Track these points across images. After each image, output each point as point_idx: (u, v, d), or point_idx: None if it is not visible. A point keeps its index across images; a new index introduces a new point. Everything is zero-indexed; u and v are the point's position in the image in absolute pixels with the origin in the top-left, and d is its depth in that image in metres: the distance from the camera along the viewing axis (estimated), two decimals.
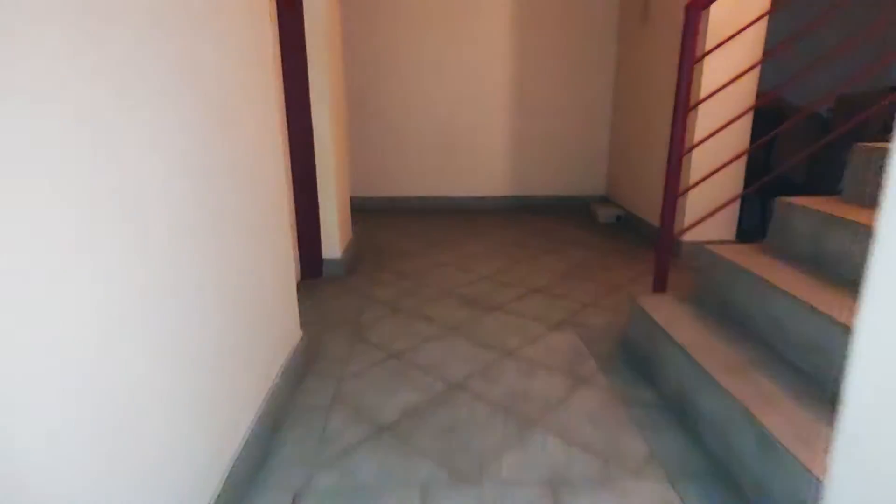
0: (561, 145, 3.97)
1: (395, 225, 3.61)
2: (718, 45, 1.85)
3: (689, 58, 1.64)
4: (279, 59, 2.24)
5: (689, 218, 2.81)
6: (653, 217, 3.24)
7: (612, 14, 3.75)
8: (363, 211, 3.90)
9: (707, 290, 1.77)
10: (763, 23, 2.59)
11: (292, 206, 2.43)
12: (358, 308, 2.24)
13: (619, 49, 3.75)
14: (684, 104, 1.69)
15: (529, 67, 3.82)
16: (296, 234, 2.49)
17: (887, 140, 1.51)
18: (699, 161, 2.72)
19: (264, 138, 1.50)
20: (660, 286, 1.87)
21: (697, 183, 1.97)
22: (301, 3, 2.29)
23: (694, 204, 2.78)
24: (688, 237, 2.83)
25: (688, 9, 1.61)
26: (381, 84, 3.84)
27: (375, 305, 2.27)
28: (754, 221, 3.13)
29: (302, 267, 2.56)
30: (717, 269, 1.72)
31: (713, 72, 2.62)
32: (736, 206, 2.86)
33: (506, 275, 2.65)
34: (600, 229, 3.48)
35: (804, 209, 1.61)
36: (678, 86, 1.68)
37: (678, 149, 1.75)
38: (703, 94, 2.64)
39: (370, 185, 4.03)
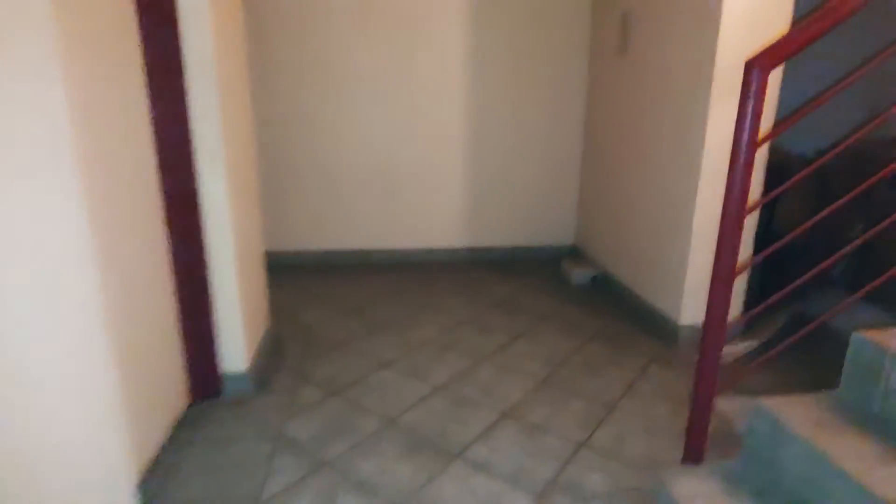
0: (524, 187, 3.42)
1: (330, 293, 2.93)
2: (787, 123, 1.31)
3: (753, 128, 1.09)
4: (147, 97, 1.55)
5: (687, 297, 2.30)
6: (631, 280, 2.72)
7: (583, 42, 3.23)
8: (291, 269, 3.20)
9: (763, 470, 1.22)
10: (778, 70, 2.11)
11: (172, 304, 1.73)
12: (260, 464, 1.57)
13: (591, 81, 3.24)
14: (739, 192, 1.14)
15: (488, 97, 3.25)
16: (181, 339, 1.79)
17: None
18: (702, 226, 2.21)
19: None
20: (694, 455, 1.31)
21: (746, 265, 1.43)
22: (174, 19, 1.60)
23: (697, 279, 2.27)
24: (687, 318, 2.32)
25: (749, 67, 1.05)
26: (308, 112, 3.16)
27: (286, 459, 1.60)
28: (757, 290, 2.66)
29: (191, 385, 1.86)
30: (783, 448, 1.18)
31: (720, 118, 2.12)
32: (743, 277, 2.37)
33: (467, 383, 2.04)
34: (574, 294, 2.93)
35: None
36: (731, 165, 1.13)
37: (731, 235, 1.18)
38: (707, 143, 2.13)
39: (299, 237, 3.33)
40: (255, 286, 2.10)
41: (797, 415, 1.22)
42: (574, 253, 3.49)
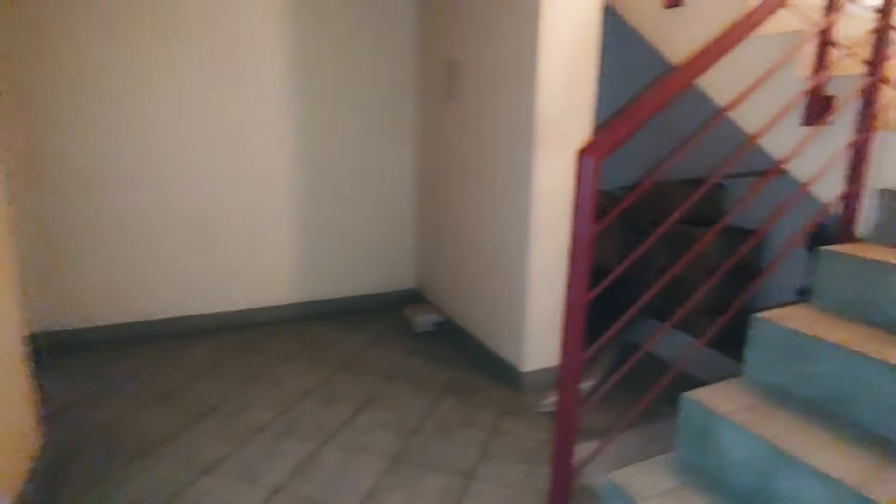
0: (360, 233, 3.26)
1: (135, 376, 2.42)
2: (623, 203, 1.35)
3: (588, 212, 1.08)
4: None
5: (528, 343, 2.34)
6: (474, 326, 2.72)
7: (412, 85, 3.20)
8: (84, 350, 2.59)
9: None
10: (589, 110, 2.27)
11: None
12: None
13: (423, 123, 3.22)
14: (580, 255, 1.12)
15: (316, 139, 3.03)
16: None
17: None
18: (540, 269, 2.27)
19: None
20: None
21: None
22: None
23: (536, 324, 2.32)
24: (530, 364, 2.37)
25: (582, 156, 1.04)
26: (98, 159, 2.62)
27: None
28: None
29: None
30: None
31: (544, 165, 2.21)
32: None
33: (310, 477, 1.79)
34: (420, 344, 2.84)
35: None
36: (572, 250, 1.11)
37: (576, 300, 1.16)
38: (535, 192, 2.20)
39: (93, 309, 2.72)
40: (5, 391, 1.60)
41: (644, 484, 1.24)
42: (416, 298, 3.42)
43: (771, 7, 1.31)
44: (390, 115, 3.18)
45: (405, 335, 2.95)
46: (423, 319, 2.99)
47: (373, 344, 2.83)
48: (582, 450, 1.88)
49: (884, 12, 1.57)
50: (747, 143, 1.39)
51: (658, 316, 2.85)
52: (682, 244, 2.93)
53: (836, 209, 1.69)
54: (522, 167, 2.23)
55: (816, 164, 1.71)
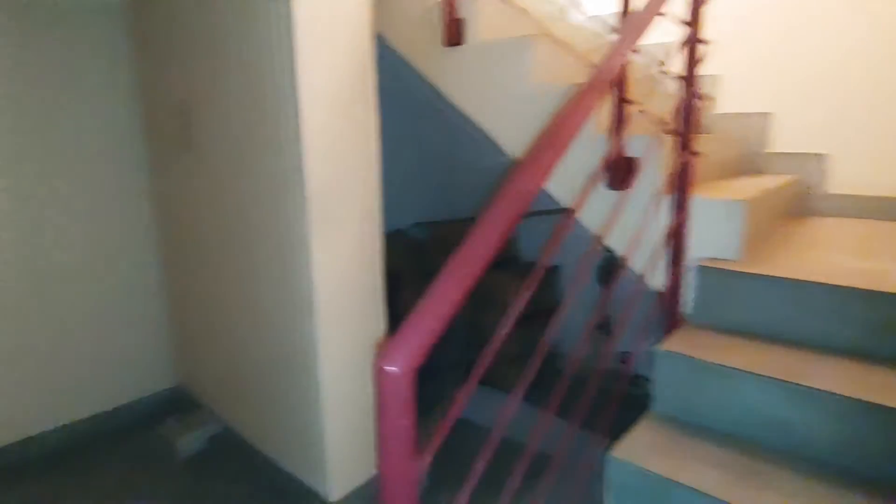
0: (80, 335, 2.33)
1: None
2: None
3: (400, 457, 0.63)
4: None
5: (333, 464, 1.84)
6: (262, 440, 2.11)
7: (134, 139, 2.38)
8: None
9: None
10: (373, 164, 1.85)
11: None
12: None
13: (157, 184, 2.42)
14: None
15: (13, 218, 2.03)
16: None
17: None
18: (332, 379, 1.78)
19: None
20: None
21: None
22: None
23: (338, 439, 1.83)
24: (339, 488, 1.87)
25: (385, 374, 0.59)
26: None
27: None
28: None
29: None
30: None
31: None
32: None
33: None
34: (186, 480, 2.11)
35: None
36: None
37: None
38: (316, 280, 1.69)
39: None
40: None
41: None
42: (180, 400, 2.61)
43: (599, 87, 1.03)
44: (107, 174, 2.31)
45: (166, 470, 2.17)
46: (188, 438, 2.24)
47: (119, 499, 2.00)
48: None
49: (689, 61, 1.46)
50: (566, 218, 1.12)
51: (483, 380, 2.62)
52: (482, 290, 2.77)
53: (657, 285, 1.56)
54: (296, 245, 1.70)
55: (627, 229, 1.57)
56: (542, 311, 2.76)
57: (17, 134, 2.07)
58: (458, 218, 3.19)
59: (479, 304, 2.71)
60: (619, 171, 1.56)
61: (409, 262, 2.90)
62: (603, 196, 1.60)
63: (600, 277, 2.51)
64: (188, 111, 2.06)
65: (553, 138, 0.90)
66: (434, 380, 2.53)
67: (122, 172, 2.36)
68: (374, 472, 1.99)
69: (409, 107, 3.06)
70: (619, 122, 1.51)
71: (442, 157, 3.25)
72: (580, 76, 1.83)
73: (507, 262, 2.99)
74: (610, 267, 2.42)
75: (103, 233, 2.34)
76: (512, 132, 1.79)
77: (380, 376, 0.61)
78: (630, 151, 1.57)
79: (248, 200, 1.86)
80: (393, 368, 0.60)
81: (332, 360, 1.77)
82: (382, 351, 0.62)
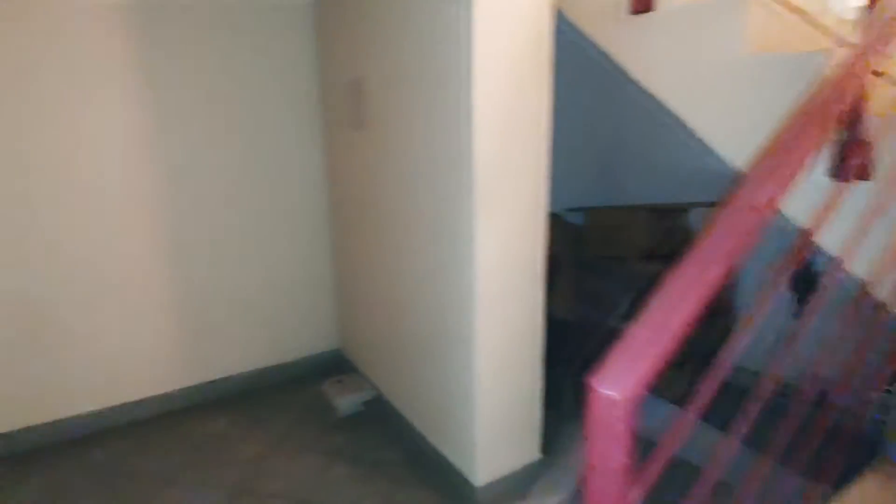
0: (258, 290, 2.60)
1: None
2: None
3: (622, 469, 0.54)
4: None
5: (482, 450, 1.82)
6: (413, 414, 2.17)
7: (312, 117, 2.54)
8: None
9: None
10: (544, 148, 1.74)
11: None
12: None
13: (330, 159, 2.58)
14: None
15: (189, 182, 2.33)
16: None
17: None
18: (490, 358, 1.74)
19: None
20: None
21: None
22: None
23: (489, 425, 1.80)
24: (484, 474, 1.85)
25: (613, 403, 0.50)
26: None
27: None
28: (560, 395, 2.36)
29: None
30: None
31: None
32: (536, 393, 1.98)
33: None
34: (342, 436, 2.26)
35: None
36: None
37: None
38: (477, 266, 1.65)
39: None
40: None
41: None
42: (340, 361, 2.81)
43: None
44: (289, 148, 2.52)
45: (325, 425, 2.35)
46: (347, 400, 2.40)
47: (282, 444, 2.21)
48: None
49: None
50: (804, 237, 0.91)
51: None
52: (646, 286, 2.52)
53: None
54: (460, 223, 1.67)
55: (846, 229, 1.28)
56: (717, 312, 2.45)
57: (213, 117, 2.33)
58: (617, 205, 2.96)
59: (642, 300, 2.49)
60: (851, 158, 1.27)
61: (562, 248, 2.76)
62: (817, 185, 1.32)
63: (797, 287, 2.13)
64: (360, 90, 2.13)
65: (808, 131, 0.71)
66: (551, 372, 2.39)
67: (302, 146, 2.55)
68: (524, 462, 1.94)
69: (577, 83, 2.88)
70: (859, 98, 1.22)
71: (607, 139, 3.02)
72: (811, 42, 1.52)
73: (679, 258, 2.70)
74: (812, 275, 2.04)
75: (284, 200, 2.55)
76: (714, 115, 1.56)
77: (594, 400, 0.52)
78: (865, 135, 1.26)
79: (415, 176, 1.88)
80: (611, 393, 0.51)
81: (488, 343, 1.73)
82: (599, 371, 0.53)
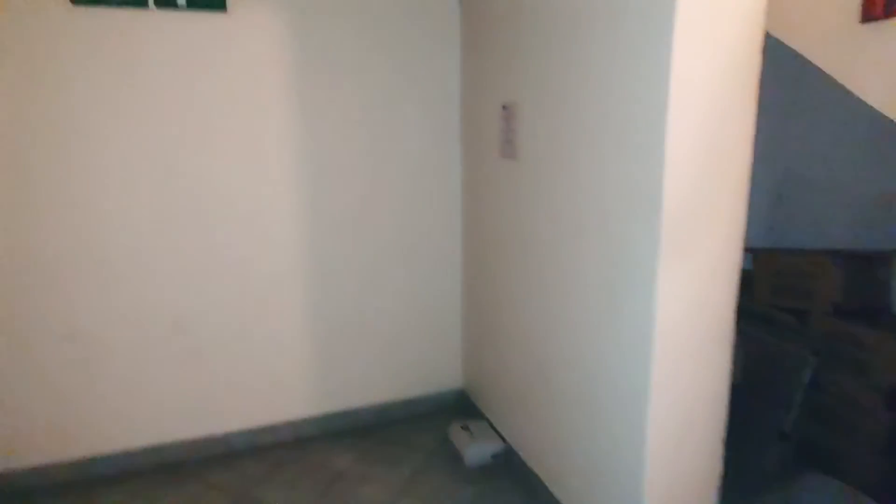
0: (390, 324, 2.51)
1: None
2: None
3: None
4: None
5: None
6: (550, 475, 1.91)
7: (452, 141, 2.45)
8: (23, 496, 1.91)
9: None
10: (742, 187, 1.47)
11: None
12: None
13: (469, 188, 2.47)
14: None
15: (334, 208, 2.32)
16: None
17: None
18: (666, 427, 1.46)
19: None
20: None
21: None
22: None
23: (657, 493, 1.51)
24: None
25: None
26: (36, 241, 1.96)
27: None
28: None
29: None
30: None
31: None
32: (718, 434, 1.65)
33: None
34: (472, 489, 2.06)
35: None
36: None
37: None
38: (660, 319, 1.40)
39: (34, 447, 2.06)
40: None
41: None
42: (464, 403, 2.64)
43: None
44: (426, 173, 2.44)
45: (452, 475, 2.16)
46: (476, 451, 2.20)
47: (409, 490, 2.06)
48: None
49: None
50: None
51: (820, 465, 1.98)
52: (839, 348, 2.09)
53: None
54: (640, 270, 1.43)
55: None
56: None
57: (353, 139, 2.30)
58: (799, 248, 2.53)
59: (829, 363, 2.06)
60: None
61: None
62: None
63: None
64: (513, 116, 1.99)
65: None
66: (750, 449, 2.01)
67: (440, 171, 2.45)
68: None
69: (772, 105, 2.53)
70: None
71: (786, 170, 2.61)
72: None
73: (874, 314, 2.23)
74: None
75: (415, 229, 2.46)
76: None
77: None
78: None
79: (579, 213, 1.67)
80: None
81: (665, 407, 1.46)
82: None
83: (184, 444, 2.23)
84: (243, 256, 2.20)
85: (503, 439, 2.25)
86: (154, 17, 1.93)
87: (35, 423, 2.04)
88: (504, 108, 2.05)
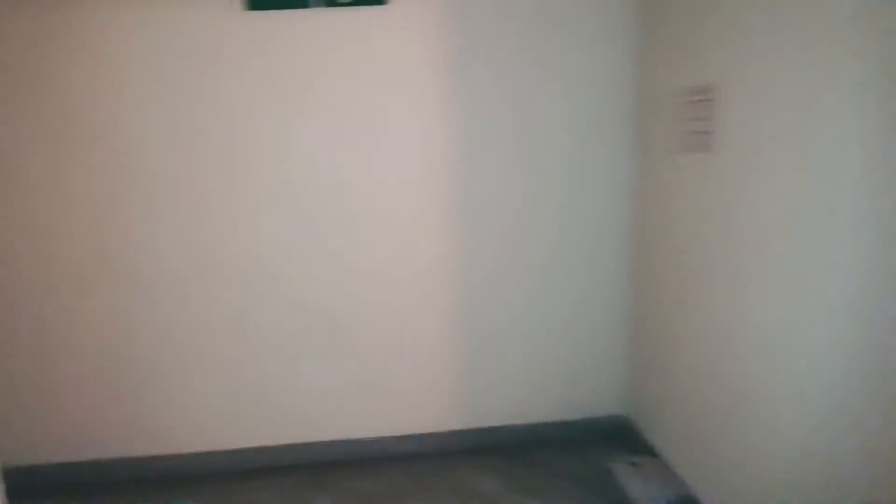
0: (544, 337, 2.27)
1: None
2: None
3: None
4: None
5: None
6: None
7: (624, 133, 2.15)
8: (171, 485, 2.01)
9: None
10: None
11: None
12: None
13: (642, 188, 2.14)
14: None
15: (492, 209, 2.15)
16: None
17: None
18: None
19: None
20: None
21: None
22: None
23: None
24: None
25: None
26: (203, 242, 2.05)
27: None
28: None
29: None
30: None
31: None
32: None
33: None
34: None
35: None
36: None
37: None
38: None
39: (186, 435, 2.16)
40: None
41: None
42: (625, 432, 2.32)
43: None
44: (594, 170, 2.16)
45: None
46: (648, 494, 1.88)
47: None
48: None
49: None
50: None
51: None
52: None
53: None
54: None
55: None
56: None
57: (515, 131, 2.10)
58: None
59: None
60: None
61: None
62: None
63: None
64: (710, 101, 1.64)
65: None
66: None
67: (609, 169, 2.16)
68: None
69: None
70: None
71: None
72: None
73: None
74: None
75: (580, 236, 2.20)
76: None
77: None
78: None
79: (801, 219, 1.30)
80: None
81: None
82: None
83: (325, 444, 2.21)
84: (400, 261, 2.12)
85: (682, 482, 1.90)
86: (319, 15, 1.91)
87: (184, 415, 2.14)
88: (697, 91, 1.71)
